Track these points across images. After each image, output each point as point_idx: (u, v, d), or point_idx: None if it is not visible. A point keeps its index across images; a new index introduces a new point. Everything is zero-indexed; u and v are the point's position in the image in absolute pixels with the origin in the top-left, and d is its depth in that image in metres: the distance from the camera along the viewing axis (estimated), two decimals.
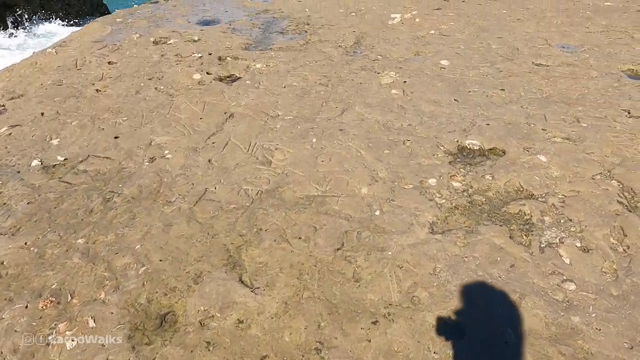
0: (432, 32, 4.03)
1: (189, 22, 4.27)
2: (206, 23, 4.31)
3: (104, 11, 11.38)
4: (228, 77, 3.16)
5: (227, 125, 2.53)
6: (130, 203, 1.91)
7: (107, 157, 2.25)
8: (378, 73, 3.21)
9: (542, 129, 2.45)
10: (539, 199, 1.95)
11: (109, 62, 3.35)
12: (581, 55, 3.45)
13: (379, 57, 3.49)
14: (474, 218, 1.85)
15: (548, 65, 3.31)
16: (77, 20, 9.60)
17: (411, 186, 2.02)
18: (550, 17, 4.36)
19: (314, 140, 2.37)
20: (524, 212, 1.87)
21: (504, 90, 2.95)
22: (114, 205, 1.90)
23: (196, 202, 1.91)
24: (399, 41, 3.82)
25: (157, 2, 5.06)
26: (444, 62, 3.36)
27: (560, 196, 1.96)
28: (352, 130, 2.47)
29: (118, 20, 4.24)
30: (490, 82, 3.06)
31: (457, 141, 2.37)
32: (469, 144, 2.35)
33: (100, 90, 2.95)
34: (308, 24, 4.25)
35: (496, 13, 4.49)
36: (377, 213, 1.86)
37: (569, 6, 4.69)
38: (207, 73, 3.17)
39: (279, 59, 3.40)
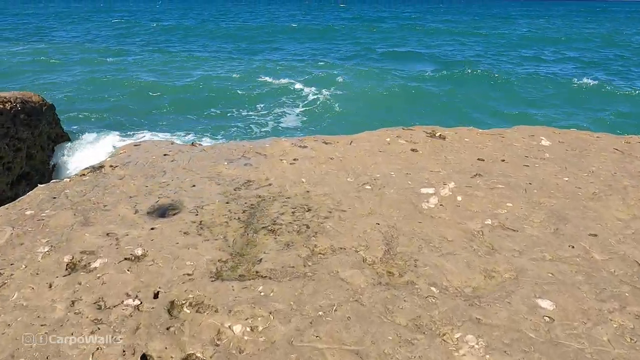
0: (489, 221, 2.89)
1: (137, 211, 3.03)
2: (162, 212, 3.07)
3: (62, 148, 10.40)
4: None
5: None
6: None
7: None
8: (444, 336, 1.91)
9: None
10: None
11: None
12: None
13: (432, 289, 2.23)
14: None
15: None
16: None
17: None
18: (632, 189, 3.34)
19: None
20: None
21: None
22: None
23: None
24: (449, 245, 2.62)
25: (101, 167, 3.89)
26: (544, 304, 2.11)
27: None
28: None
29: (28, 212, 2.96)
30: None
31: None
32: None
33: None
34: (309, 210, 3.06)
35: (558, 182, 3.46)
36: None
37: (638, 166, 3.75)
38: (142, 358, 1.79)
39: (273, 306, 2.08)
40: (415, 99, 15.82)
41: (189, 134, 11.56)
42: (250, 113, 13.74)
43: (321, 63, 23.61)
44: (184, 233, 2.75)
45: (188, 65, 22.88)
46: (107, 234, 2.73)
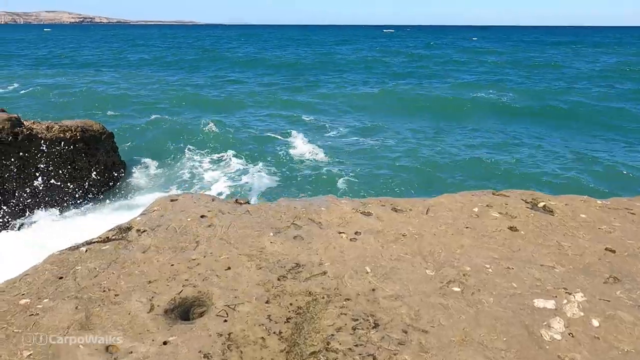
0: None
1: (152, 308, 2.37)
2: (184, 311, 2.40)
3: (117, 176, 10.37)
4: None
5: None
6: None
7: None
8: None
9: None
10: None
11: None
12: None
13: None
14: None
15: None
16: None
17: None
18: None
19: None
20: None
21: None
22: None
23: None
24: None
25: (128, 229, 3.33)
26: None
27: None
28: None
29: (23, 301, 2.39)
30: None
31: None
32: None
33: None
34: (376, 325, 2.25)
35: None
36: None
37: None
38: None
39: None
40: (491, 145, 14.30)
41: (241, 174, 10.83)
42: (302, 158, 12.73)
43: (378, 102, 22.41)
44: (205, 356, 2.02)
45: (246, 99, 22.85)
46: (107, 349, 2.07)
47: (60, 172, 8.56)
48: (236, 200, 4.00)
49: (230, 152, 12.55)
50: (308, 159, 12.12)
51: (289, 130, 15.45)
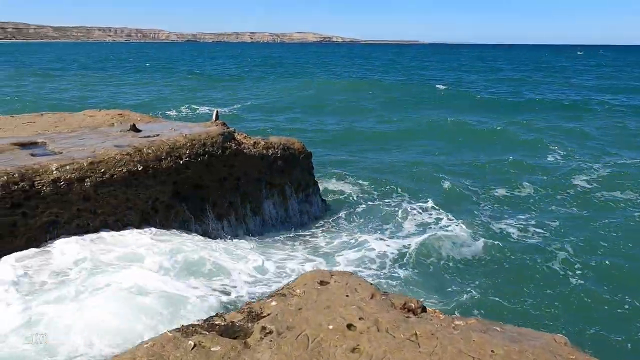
0: None
1: None
2: None
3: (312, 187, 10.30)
4: None
5: None
6: None
7: None
8: None
9: None
10: None
11: None
12: None
13: None
14: None
15: None
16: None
17: None
18: None
19: None
20: None
21: None
22: None
23: None
24: None
25: (257, 318, 2.57)
26: None
27: None
28: None
29: None
30: None
31: None
32: None
33: None
34: None
35: None
36: None
37: None
38: None
39: None
40: None
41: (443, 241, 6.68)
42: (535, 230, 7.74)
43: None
44: None
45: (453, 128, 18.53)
46: None
47: (256, 188, 8.97)
48: (404, 304, 2.82)
49: (440, 207, 8.63)
50: (541, 233, 7.06)
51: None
